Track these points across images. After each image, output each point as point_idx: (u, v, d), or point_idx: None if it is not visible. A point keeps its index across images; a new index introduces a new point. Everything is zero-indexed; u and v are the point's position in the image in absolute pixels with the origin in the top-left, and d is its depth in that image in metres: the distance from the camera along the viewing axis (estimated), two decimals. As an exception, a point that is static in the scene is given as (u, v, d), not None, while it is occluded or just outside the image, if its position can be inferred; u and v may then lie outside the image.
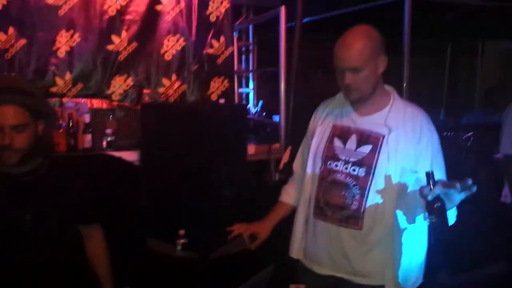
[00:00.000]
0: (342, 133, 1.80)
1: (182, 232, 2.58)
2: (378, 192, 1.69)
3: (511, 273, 3.26)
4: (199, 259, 2.52)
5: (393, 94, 1.80)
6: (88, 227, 1.94)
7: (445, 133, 3.66)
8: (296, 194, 2.01)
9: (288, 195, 2.08)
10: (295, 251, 1.96)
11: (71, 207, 1.80)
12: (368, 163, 1.70)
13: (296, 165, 2.08)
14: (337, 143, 1.79)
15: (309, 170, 1.87)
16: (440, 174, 1.69)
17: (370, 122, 1.76)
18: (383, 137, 1.70)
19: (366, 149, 1.72)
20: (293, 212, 2.02)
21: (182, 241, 2.57)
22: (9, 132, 1.60)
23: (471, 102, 5.78)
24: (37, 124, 1.70)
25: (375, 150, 1.70)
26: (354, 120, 1.79)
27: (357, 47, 1.64)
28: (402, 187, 1.67)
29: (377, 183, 1.68)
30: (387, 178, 1.67)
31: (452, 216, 1.62)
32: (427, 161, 1.69)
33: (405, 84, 3.26)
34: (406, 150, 1.68)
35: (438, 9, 4.39)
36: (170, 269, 2.51)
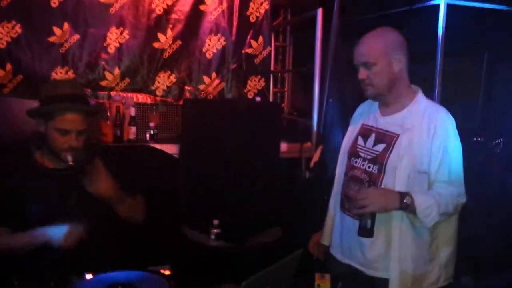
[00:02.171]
0: (366, 132, 1.92)
1: (216, 222, 2.73)
2: (388, 188, 1.77)
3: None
4: (233, 248, 2.66)
5: (418, 94, 1.86)
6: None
7: (475, 138, 3.66)
8: None
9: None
10: (325, 239, 2.14)
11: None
12: (380, 161, 1.80)
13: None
14: (360, 141, 1.93)
15: (339, 165, 2.05)
16: (450, 179, 1.75)
17: (388, 122, 1.86)
18: (398, 136, 1.79)
19: (380, 147, 1.82)
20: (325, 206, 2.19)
21: (216, 230, 2.72)
22: (75, 136, 1.82)
23: (509, 109, 5.66)
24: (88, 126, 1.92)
25: (388, 149, 1.80)
26: (377, 120, 1.91)
27: (370, 43, 1.80)
28: (411, 185, 1.74)
29: (388, 180, 1.77)
30: (397, 176, 1.75)
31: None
32: (438, 164, 1.74)
33: (437, 91, 3.27)
34: (419, 150, 1.74)
35: (475, 14, 4.35)
36: (204, 257, 2.65)
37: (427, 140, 1.75)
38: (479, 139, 3.65)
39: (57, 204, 1.83)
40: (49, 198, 1.82)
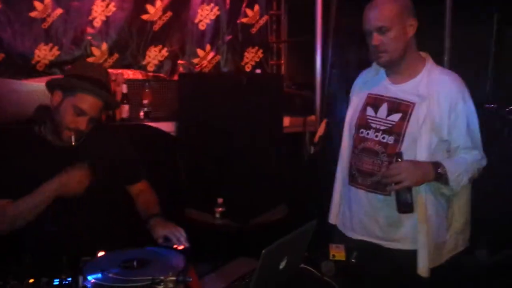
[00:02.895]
0: (375, 102, 1.96)
1: (220, 200, 2.84)
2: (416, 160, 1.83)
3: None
4: (238, 226, 2.78)
5: (428, 61, 1.93)
6: (136, 185, 2.19)
7: (487, 104, 3.76)
8: None
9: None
10: (333, 217, 2.17)
11: (116, 168, 2.04)
12: (397, 131, 1.86)
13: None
14: (369, 111, 1.96)
15: (345, 139, 2.08)
16: (473, 144, 1.85)
17: (402, 90, 1.91)
18: (414, 105, 1.85)
19: (396, 117, 1.87)
20: (332, 181, 2.21)
21: (220, 209, 2.84)
22: (87, 120, 1.89)
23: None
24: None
25: (405, 118, 1.85)
26: (387, 88, 1.95)
27: (384, 7, 1.83)
28: (432, 154, 1.82)
29: (406, 150, 1.82)
30: (418, 146, 1.82)
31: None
32: (460, 131, 1.84)
33: (446, 56, 3.36)
34: (439, 118, 1.82)
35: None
36: (209, 236, 2.76)
37: (445, 108, 1.82)
38: (491, 105, 3.76)
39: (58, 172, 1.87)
40: (54, 171, 1.87)
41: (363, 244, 1.98)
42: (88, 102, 1.89)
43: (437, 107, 1.83)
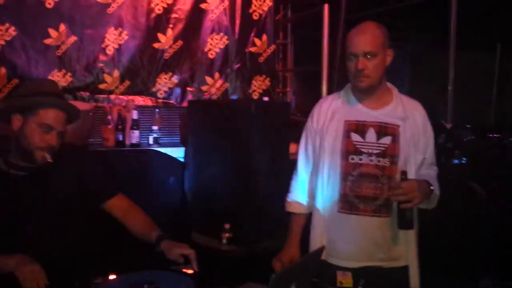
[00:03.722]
0: (358, 127, 1.98)
1: (227, 226, 2.85)
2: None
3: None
4: (245, 252, 2.78)
5: (394, 90, 2.05)
6: (111, 200, 2.08)
7: (491, 134, 3.81)
8: (307, 200, 2.15)
9: (300, 205, 2.19)
10: (316, 244, 2.05)
11: (86, 186, 2.00)
12: (391, 153, 1.93)
13: (301, 167, 2.17)
14: (355, 137, 1.98)
15: (326, 167, 2.01)
16: (433, 158, 2.05)
17: (383, 114, 1.98)
18: (399, 127, 1.95)
19: (387, 140, 1.94)
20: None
21: (227, 235, 2.84)
22: (56, 134, 1.85)
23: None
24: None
25: (395, 140, 1.94)
26: (368, 114, 1.99)
27: (372, 33, 1.91)
28: (417, 171, 1.96)
29: (400, 170, 1.91)
30: (409, 165, 1.93)
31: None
32: (431, 148, 2.02)
33: (450, 86, 3.40)
34: (418, 137, 1.97)
35: (487, 4, 4.48)
36: (217, 261, 2.77)
37: (420, 128, 1.99)
38: (494, 135, 3.80)
39: (21, 205, 1.85)
40: (11, 201, 1.84)
41: (361, 270, 1.95)
42: (52, 116, 1.84)
43: (415, 127, 1.98)
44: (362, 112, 2.00)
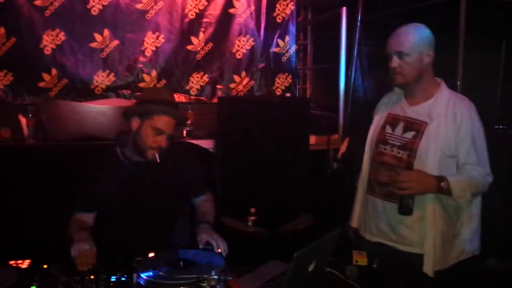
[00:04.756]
0: (393, 121, 2.03)
1: (253, 210, 2.87)
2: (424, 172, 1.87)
3: None
4: (268, 233, 2.80)
5: (442, 85, 1.99)
6: (200, 197, 2.25)
7: (497, 126, 3.72)
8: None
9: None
10: (354, 221, 2.24)
11: (186, 183, 2.15)
12: (410, 147, 1.92)
13: (366, 151, 2.21)
14: (388, 129, 2.03)
15: (366, 153, 2.14)
16: (478, 161, 1.88)
17: (416, 111, 1.97)
18: (426, 124, 1.91)
19: (410, 135, 1.94)
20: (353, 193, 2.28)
21: (253, 218, 2.87)
22: (166, 138, 1.99)
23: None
24: None
25: (417, 136, 1.91)
26: (404, 109, 2.02)
27: (405, 35, 1.91)
28: (441, 169, 1.87)
29: (419, 164, 1.89)
30: (427, 160, 1.88)
31: None
32: (466, 147, 1.87)
33: (459, 82, 3.34)
34: (447, 136, 1.88)
35: (493, 6, 4.38)
36: (243, 241, 2.80)
37: (453, 127, 1.88)
38: (500, 127, 3.72)
39: (134, 192, 2.00)
40: (127, 187, 1.99)
41: (381, 246, 2.04)
42: (164, 122, 1.96)
43: (445, 125, 1.89)
44: (401, 107, 2.03)
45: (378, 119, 2.12)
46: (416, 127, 1.94)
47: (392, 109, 2.07)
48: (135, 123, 2.00)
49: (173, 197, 2.08)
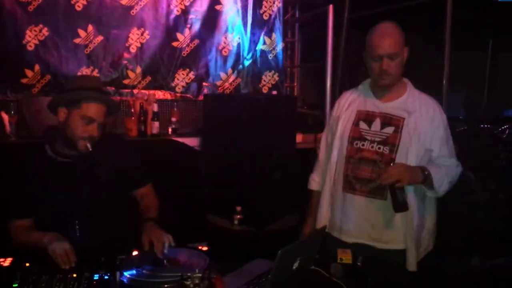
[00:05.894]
0: (367, 117, 2.04)
1: (239, 208, 2.89)
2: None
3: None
4: (254, 232, 2.82)
5: (409, 84, 2.05)
6: (141, 189, 2.13)
7: (482, 125, 3.78)
8: (321, 180, 2.22)
9: (316, 183, 2.27)
10: (322, 223, 2.14)
11: (124, 175, 2.02)
12: (391, 142, 1.95)
13: (322, 151, 2.25)
14: (363, 125, 2.03)
15: (335, 150, 2.08)
16: (449, 153, 1.97)
17: (392, 107, 2.00)
18: (404, 119, 1.95)
19: (389, 130, 1.96)
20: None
21: (238, 216, 2.88)
22: (97, 126, 1.88)
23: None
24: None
25: (397, 131, 1.95)
26: (378, 106, 2.03)
27: (395, 36, 1.92)
28: (420, 162, 1.92)
29: (400, 158, 1.92)
30: (409, 154, 1.92)
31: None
32: (440, 140, 1.96)
33: (445, 81, 3.38)
34: (423, 130, 1.94)
35: (479, 5, 4.44)
36: (228, 239, 2.81)
37: (427, 122, 1.95)
38: (486, 125, 3.78)
39: (69, 188, 1.90)
40: (61, 184, 1.89)
41: (356, 246, 2.00)
42: (93, 109, 1.87)
43: (421, 120, 1.96)
44: (375, 104, 2.05)
45: (346, 117, 2.09)
46: (394, 122, 1.97)
47: (361, 106, 2.07)
48: (62, 113, 1.87)
49: (110, 188, 1.97)
